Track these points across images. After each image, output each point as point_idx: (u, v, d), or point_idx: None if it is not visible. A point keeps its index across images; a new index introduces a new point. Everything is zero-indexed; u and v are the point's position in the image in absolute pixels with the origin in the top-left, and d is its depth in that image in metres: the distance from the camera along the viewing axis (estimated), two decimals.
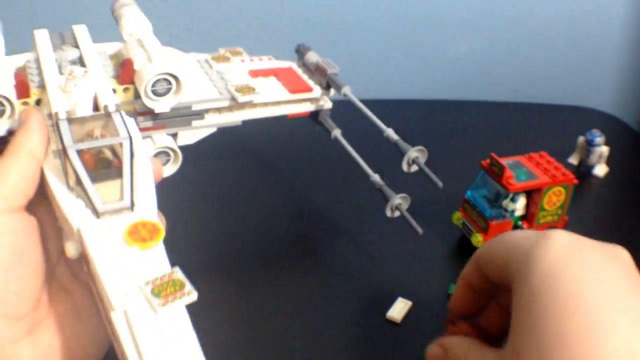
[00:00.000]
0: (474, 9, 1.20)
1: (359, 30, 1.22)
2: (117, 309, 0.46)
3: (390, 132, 0.77)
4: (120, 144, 0.55)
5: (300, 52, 0.85)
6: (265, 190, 0.93)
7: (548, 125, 1.14)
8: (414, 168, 0.75)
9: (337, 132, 0.82)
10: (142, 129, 0.68)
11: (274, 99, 0.76)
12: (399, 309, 0.69)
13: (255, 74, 0.79)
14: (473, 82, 1.26)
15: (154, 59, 0.67)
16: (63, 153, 0.54)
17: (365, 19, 1.21)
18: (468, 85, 1.26)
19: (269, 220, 0.86)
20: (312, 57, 0.82)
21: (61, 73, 0.65)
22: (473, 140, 1.07)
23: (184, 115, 0.72)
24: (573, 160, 0.99)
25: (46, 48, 0.68)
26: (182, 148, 0.73)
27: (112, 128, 0.58)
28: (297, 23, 1.21)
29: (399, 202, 0.76)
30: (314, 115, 0.82)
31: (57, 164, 0.57)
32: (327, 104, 0.82)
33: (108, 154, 0.57)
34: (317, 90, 0.79)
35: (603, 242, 0.48)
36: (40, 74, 0.65)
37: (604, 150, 0.96)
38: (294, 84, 0.79)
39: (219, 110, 0.74)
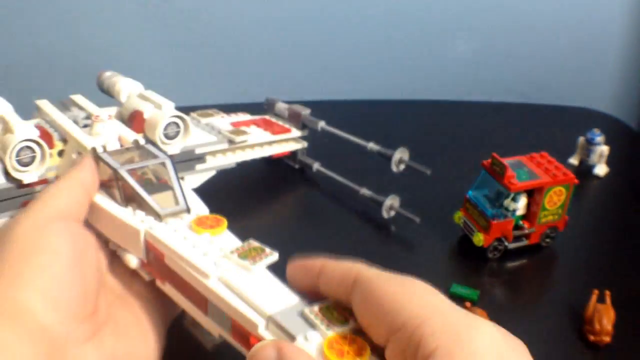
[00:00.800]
0: (474, 9, 1.21)
1: (359, 31, 1.23)
2: (211, 276, 0.51)
3: (371, 145, 0.88)
4: (163, 164, 0.63)
5: (269, 105, 0.97)
6: (267, 199, 0.93)
7: (548, 126, 1.14)
8: (402, 166, 0.85)
9: (317, 165, 0.94)
10: None
11: (263, 139, 0.88)
12: None
13: (237, 125, 0.89)
14: (473, 82, 1.27)
15: (163, 105, 0.75)
16: (113, 175, 0.61)
17: (364, 20, 1.21)
18: (468, 85, 1.27)
19: (272, 224, 0.87)
20: (282, 105, 0.95)
21: (78, 125, 0.72)
22: (474, 141, 1.07)
23: (189, 160, 0.80)
24: (574, 160, 0.99)
25: (56, 111, 0.76)
26: None
27: (148, 155, 0.66)
28: (296, 23, 1.21)
29: (391, 203, 0.85)
30: (293, 155, 0.95)
31: (101, 194, 0.63)
32: (303, 144, 0.94)
33: (151, 175, 0.64)
34: (295, 131, 0.92)
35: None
36: (57, 130, 0.72)
37: (604, 149, 0.96)
38: (274, 128, 0.91)
39: (214, 154, 0.83)
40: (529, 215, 0.77)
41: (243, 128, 0.88)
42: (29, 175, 0.67)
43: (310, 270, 0.49)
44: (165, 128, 0.75)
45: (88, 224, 0.65)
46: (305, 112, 0.92)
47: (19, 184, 0.67)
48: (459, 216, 0.81)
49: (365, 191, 0.88)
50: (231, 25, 1.21)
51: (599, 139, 0.96)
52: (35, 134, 0.67)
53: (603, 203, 0.94)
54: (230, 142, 0.84)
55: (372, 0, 1.20)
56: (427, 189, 0.91)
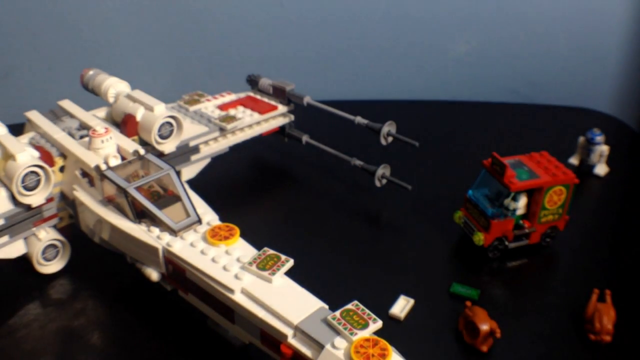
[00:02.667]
0: (473, 9, 1.21)
1: (358, 31, 1.23)
2: (236, 291, 0.54)
3: (359, 119, 0.89)
4: (168, 174, 0.65)
5: (252, 81, 0.97)
6: (263, 195, 0.93)
7: (548, 126, 1.14)
8: (390, 139, 0.87)
9: (306, 137, 0.95)
10: None
11: (252, 121, 0.89)
12: (401, 307, 0.69)
13: (224, 107, 0.90)
14: (473, 82, 1.27)
15: (155, 106, 0.76)
16: (123, 194, 0.62)
17: (364, 20, 1.21)
18: (468, 86, 1.27)
19: (273, 222, 0.87)
20: (265, 81, 0.95)
21: (75, 139, 0.73)
22: (474, 141, 1.07)
23: (184, 153, 0.81)
24: (574, 160, 0.99)
25: (48, 124, 0.76)
26: None
27: (151, 166, 0.67)
28: (296, 24, 1.21)
29: (382, 172, 0.88)
30: (281, 130, 0.96)
31: (111, 209, 0.65)
32: (290, 118, 0.94)
33: (157, 187, 0.65)
34: (281, 108, 0.92)
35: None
36: (53, 145, 0.73)
37: (604, 148, 0.96)
38: (260, 107, 0.91)
39: (207, 142, 0.85)
40: (529, 214, 0.77)
41: (231, 112, 0.89)
42: (36, 198, 0.68)
43: None
44: (159, 129, 0.76)
45: (103, 241, 0.66)
46: (290, 87, 0.93)
47: (28, 207, 0.68)
48: (459, 216, 0.80)
49: (356, 161, 0.90)
50: (227, 24, 1.20)
51: (599, 138, 0.96)
52: (37, 158, 0.68)
53: (603, 203, 0.94)
54: (222, 130, 0.85)
55: (372, 0, 1.20)
56: (427, 190, 0.91)
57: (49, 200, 0.70)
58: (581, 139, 0.98)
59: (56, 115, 0.80)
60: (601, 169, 0.97)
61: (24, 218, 0.68)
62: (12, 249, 0.69)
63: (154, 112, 0.76)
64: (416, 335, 0.66)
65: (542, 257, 0.79)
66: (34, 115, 0.78)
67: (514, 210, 0.76)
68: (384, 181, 0.88)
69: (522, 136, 1.08)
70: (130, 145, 0.70)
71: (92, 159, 0.67)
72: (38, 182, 0.67)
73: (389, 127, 0.86)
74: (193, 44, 1.21)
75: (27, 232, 0.70)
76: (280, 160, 1.01)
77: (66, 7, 1.14)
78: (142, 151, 0.69)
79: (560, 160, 0.79)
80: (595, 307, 0.66)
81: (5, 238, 0.68)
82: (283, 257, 0.57)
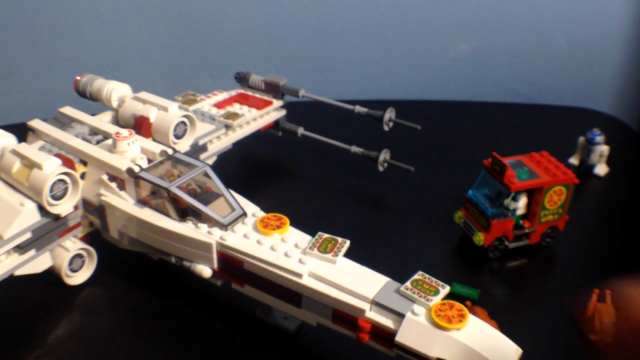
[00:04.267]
0: (473, 9, 1.21)
1: (359, 31, 1.23)
2: (303, 274, 0.55)
3: (358, 108, 0.90)
4: (205, 172, 0.65)
5: (242, 79, 0.98)
6: (259, 194, 0.93)
7: (548, 126, 1.14)
8: (391, 124, 0.90)
9: (301, 130, 0.95)
10: None
11: (254, 116, 0.90)
12: None
13: (220, 105, 0.91)
14: (473, 82, 1.27)
15: (169, 107, 0.76)
16: (166, 194, 0.62)
17: (364, 20, 1.21)
18: (468, 86, 1.27)
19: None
20: (257, 78, 0.96)
21: (91, 144, 0.72)
22: (474, 141, 1.07)
23: (196, 151, 0.81)
24: (574, 160, 0.99)
25: (59, 131, 0.75)
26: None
27: (181, 165, 0.67)
28: (296, 24, 1.21)
29: (384, 157, 0.90)
30: (275, 124, 0.96)
31: (148, 210, 0.64)
32: (282, 112, 0.95)
33: (194, 185, 0.65)
34: (277, 102, 0.94)
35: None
36: (69, 152, 0.72)
37: (605, 148, 0.96)
38: (256, 103, 0.92)
39: (212, 140, 0.84)
40: (529, 214, 0.77)
41: (229, 109, 0.89)
42: (64, 207, 0.66)
43: None
44: (175, 128, 0.76)
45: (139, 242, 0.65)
46: (283, 82, 0.94)
47: (56, 217, 0.67)
48: (459, 216, 0.80)
49: (356, 149, 0.90)
50: (226, 24, 1.20)
51: (599, 138, 0.96)
52: (62, 165, 0.66)
53: (603, 203, 0.94)
54: (227, 127, 0.86)
55: (372, 0, 1.20)
56: (427, 189, 0.91)
57: (75, 207, 0.68)
58: (581, 139, 0.98)
59: (61, 122, 0.79)
60: (601, 169, 0.97)
61: (51, 229, 0.67)
62: (39, 263, 0.67)
63: (168, 112, 0.75)
64: None
65: (542, 257, 0.79)
66: (39, 124, 0.76)
67: (514, 210, 0.76)
68: (385, 165, 0.90)
69: (522, 136, 1.08)
70: (155, 146, 0.69)
71: (121, 162, 0.66)
72: (65, 191, 0.66)
73: (390, 114, 0.88)
74: (191, 44, 1.21)
75: (53, 243, 0.68)
76: (276, 155, 1.02)
77: (66, 8, 1.14)
78: (169, 151, 0.68)
79: (560, 160, 0.79)
80: (595, 307, 0.66)
81: (32, 252, 0.66)
82: (339, 239, 0.58)
